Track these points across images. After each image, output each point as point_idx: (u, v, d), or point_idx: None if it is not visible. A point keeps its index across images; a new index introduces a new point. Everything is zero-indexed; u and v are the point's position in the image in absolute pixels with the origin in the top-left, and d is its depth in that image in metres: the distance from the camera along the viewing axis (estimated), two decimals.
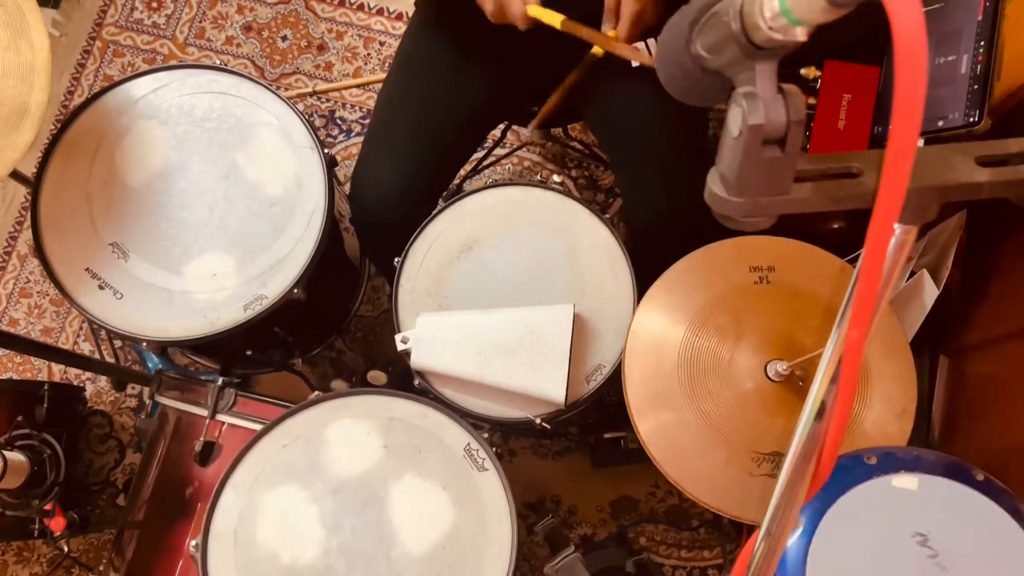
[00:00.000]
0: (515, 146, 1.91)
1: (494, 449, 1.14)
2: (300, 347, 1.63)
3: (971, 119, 1.10)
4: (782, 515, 0.62)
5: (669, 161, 1.24)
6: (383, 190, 1.28)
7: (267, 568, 1.09)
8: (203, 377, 1.51)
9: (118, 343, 1.79)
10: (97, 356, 1.79)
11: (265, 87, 1.34)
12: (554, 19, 1.11)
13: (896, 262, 0.50)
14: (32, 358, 1.85)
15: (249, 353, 1.50)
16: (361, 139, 1.93)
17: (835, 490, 0.95)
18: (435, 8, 1.31)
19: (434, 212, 1.29)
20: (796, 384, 1.06)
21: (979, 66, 1.10)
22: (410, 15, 1.40)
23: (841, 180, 0.51)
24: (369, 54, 2.00)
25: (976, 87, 1.10)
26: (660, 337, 1.10)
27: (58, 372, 1.82)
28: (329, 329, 1.70)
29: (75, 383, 1.80)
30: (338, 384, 1.53)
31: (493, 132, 1.50)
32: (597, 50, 1.14)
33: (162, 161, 1.31)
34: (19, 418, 1.48)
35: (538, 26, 1.15)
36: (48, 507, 1.38)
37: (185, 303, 1.26)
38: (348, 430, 1.16)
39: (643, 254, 1.27)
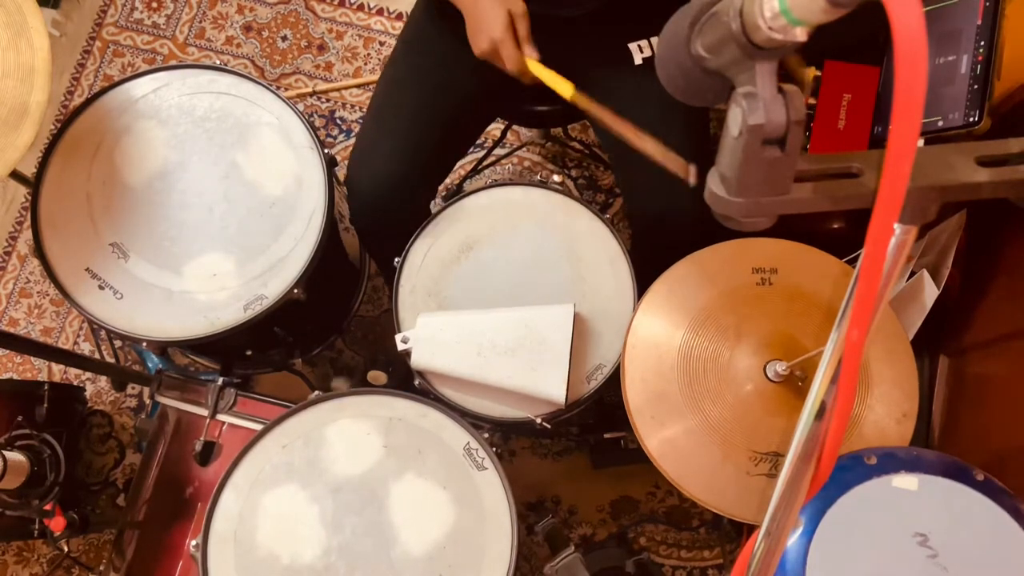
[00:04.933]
0: (515, 146, 1.91)
1: (494, 449, 1.14)
2: (300, 347, 1.63)
3: (971, 119, 1.10)
4: (782, 515, 0.62)
5: None
6: (379, 172, 1.27)
7: (267, 568, 1.09)
8: (203, 377, 1.51)
9: (118, 343, 1.79)
10: (97, 356, 1.79)
11: (265, 87, 1.34)
12: (562, 86, 1.06)
13: (896, 262, 0.50)
14: (32, 358, 1.85)
15: (249, 353, 1.50)
16: None
17: (835, 490, 0.94)
18: None
19: (434, 212, 1.29)
20: (795, 384, 1.06)
21: (979, 66, 1.10)
22: (409, 15, 1.39)
23: (841, 180, 0.51)
24: (369, 54, 2.00)
25: (976, 87, 1.10)
26: (660, 337, 1.10)
27: (58, 372, 1.82)
28: (329, 329, 1.70)
29: (75, 383, 1.80)
30: (338, 385, 1.53)
31: (493, 132, 1.50)
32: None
33: (162, 161, 1.31)
34: (19, 418, 1.47)
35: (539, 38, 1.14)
36: (48, 507, 1.38)
37: (185, 303, 1.26)
38: (348, 430, 1.16)
39: (643, 254, 1.27)
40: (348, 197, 1.34)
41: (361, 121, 1.95)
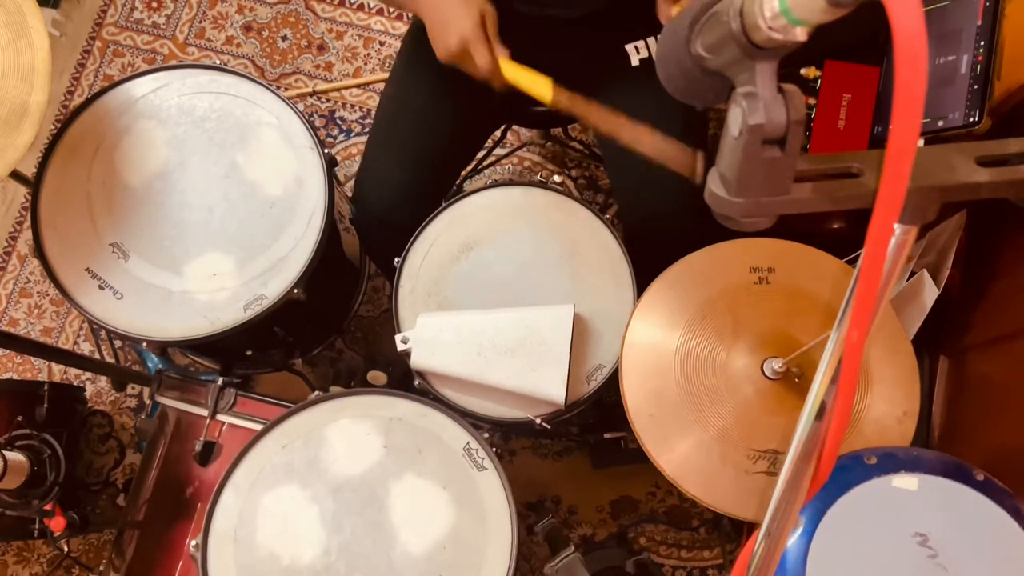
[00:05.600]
0: (515, 146, 1.91)
1: (494, 449, 1.14)
2: (300, 347, 1.63)
3: (971, 119, 1.10)
4: (782, 515, 0.62)
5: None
6: (387, 190, 1.28)
7: (267, 568, 1.09)
8: (203, 377, 1.51)
9: (118, 343, 1.79)
10: (97, 356, 1.79)
11: (265, 87, 1.34)
12: (540, 86, 0.95)
13: (896, 262, 0.50)
14: (32, 358, 1.85)
15: (249, 353, 1.50)
16: (361, 139, 1.94)
17: (835, 490, 0.94)
18: None
19: (434, 212, 1.29)
20: (792, 382, 1.06)
21: (979, 66, 1.10)
22: (407, 31, 1.39)
23: (841, 180, 0.51)
24: (369, 54, 2.00)
25: (976, 87, 1.10)
26: (658, 337, 1.10)
27: (58, 372, 1.82)
28: (329, 329, 1.70)
29: (75, 383, 1.80)
30: (335, 390, 1.53)
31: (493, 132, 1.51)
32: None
33: (162, 161, 1.31)
34: (19, 418, 1.47)
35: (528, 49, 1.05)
36: (48, 507, 1.38)
37: (185, 303, 1.26)
38: (348, 430, 1.16)
39: (643, 254, 1.27)
40: (355, 211, 1.35)
41: (364, 131, 1.95)
